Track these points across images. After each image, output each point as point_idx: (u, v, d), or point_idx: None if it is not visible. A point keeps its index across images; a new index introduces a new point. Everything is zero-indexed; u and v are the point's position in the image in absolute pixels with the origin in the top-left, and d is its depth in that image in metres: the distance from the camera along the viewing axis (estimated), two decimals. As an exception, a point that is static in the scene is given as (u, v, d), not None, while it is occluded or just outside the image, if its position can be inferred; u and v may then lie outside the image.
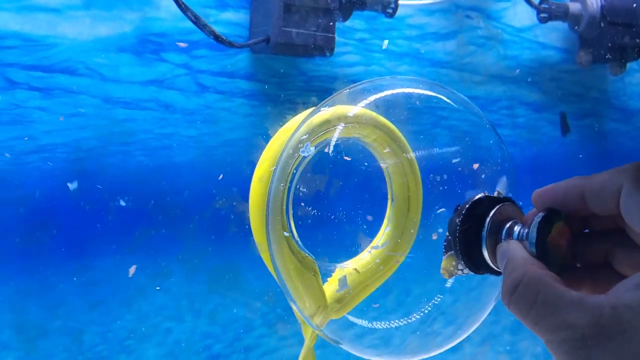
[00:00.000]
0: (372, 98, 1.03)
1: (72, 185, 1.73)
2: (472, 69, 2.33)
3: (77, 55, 1.74)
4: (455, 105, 1.10)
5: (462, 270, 0.74)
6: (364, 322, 1.12)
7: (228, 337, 2.11)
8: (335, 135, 1.01)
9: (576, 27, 2.50)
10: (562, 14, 2.51)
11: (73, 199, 1.76)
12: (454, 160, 1.01)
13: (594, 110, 2.78)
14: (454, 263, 0.76)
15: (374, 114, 1.05)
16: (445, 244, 0.77)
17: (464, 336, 1.11)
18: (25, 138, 1.72)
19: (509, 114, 2.43)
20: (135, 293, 1.87)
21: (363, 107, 1.04)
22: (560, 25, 2.54)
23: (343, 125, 1.03)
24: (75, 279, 1.77)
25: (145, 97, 1.86)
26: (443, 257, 0.79)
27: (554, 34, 2.60)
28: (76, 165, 1.78)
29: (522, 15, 2.46)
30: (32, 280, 1.75)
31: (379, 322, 1.09)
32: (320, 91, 2.13)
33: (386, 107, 1.05)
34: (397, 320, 1.09)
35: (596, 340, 0.41)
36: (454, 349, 2.27)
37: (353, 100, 1.04)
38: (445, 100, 1.11)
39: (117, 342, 1.84)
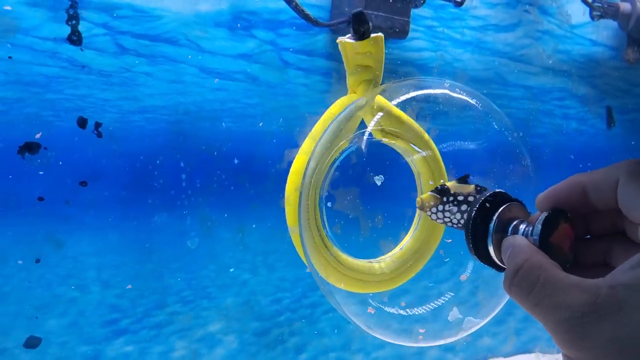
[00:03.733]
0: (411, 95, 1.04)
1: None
2: (527, 61, 2.43)
3: (179, 27, 1.89)
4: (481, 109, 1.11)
5: (435, 213, 0.77)
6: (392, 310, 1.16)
7: (296, 294, 2.25)
8: (371, 125, 1.02)
9: (625, 26, 2.59)
10: (613, 13, 2.60)
11: (171, 157, 1.92)
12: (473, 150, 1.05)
13: (639, 106, 2.87)
14: (432, 203, 0.79)
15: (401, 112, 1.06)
16: (439, 188, 0.80)
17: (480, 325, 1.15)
18: (131, 100, 1.88)
19: (559, 105, 2.53)
20: (219, 246, 2.02)
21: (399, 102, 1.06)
22: (610, 23, 2.63)
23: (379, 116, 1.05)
24: (168, 229, 1.93)
25: (235, 69, 2.01)
26: (428, 192, 0.82)
27: (605, 32, 2.69)
28: (174, 127, 1.94)
29: (576, 13, 2.56)
30: (131, 226, 1.90)
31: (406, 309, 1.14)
32: (391, 72, 2.25)
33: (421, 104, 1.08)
34: (419, 308, 1.14)
35: (594, 317, 0.41)
36: (499, 322, 2.38)
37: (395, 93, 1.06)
38: (475, 106, 1.12)
39: (200, 289, 1.99)
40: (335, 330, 2.22)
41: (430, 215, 0.73)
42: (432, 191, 0.75)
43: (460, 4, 2.17)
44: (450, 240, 1.10)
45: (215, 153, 1.94)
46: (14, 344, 1.71)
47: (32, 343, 1.73)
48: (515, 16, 2.40)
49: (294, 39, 2.09)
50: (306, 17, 1.87)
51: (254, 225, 2.05)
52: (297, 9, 1.85)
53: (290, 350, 2.06)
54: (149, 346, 1.90)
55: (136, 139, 1.85)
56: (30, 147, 1.74)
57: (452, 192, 0.74)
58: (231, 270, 2.04)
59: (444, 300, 1.02)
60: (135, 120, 1.86)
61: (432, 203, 0.75)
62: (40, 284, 1.75)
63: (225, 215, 2.02)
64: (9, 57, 1.70)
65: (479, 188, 0.66)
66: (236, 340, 1.98)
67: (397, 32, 2.01)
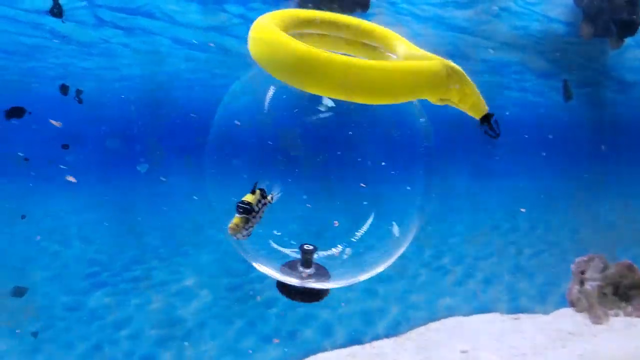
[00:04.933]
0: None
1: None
2: (487, 36, 2.57)
3: (155, 1, 2.03)
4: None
5: (246, 235, 0.97)
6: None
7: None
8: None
9: (580, 2, 2.73)
10: (569, -10, 2.74)
11: (146, 123, 2.05)
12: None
13: (595, 80, 3.02)
14: (242, 225, 0.98)
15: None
16: (242, 209, 0.97)
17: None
18: (110, 69, 2.01)
19: (517, 79, 2.67)
20: (194, 208, 2.15)
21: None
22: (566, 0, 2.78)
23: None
24: (145, 189, 2.06)
25: (207, 41, 2.14)
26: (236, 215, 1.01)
27: (560, 8, 2.83)
28: (149, 95, 2.07)
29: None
30: (108, 187, 2.03)
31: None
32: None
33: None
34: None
35: None
36: (459, 283, 2.52)
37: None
38: None
39: (176, 246, 2.13)
40: (304, 287, 2.37)
41: (243, 237, 0.94)
42: (238, 213, 0.95)
43: (420, -19, 2.30)
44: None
45: (190, 117, 2.07)
46: (1, 293, 1.85)
47: (18, 292, 1.86)
48: (474, -7, 2.53)
49: (264, 11, 2.21)
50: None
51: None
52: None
53: (260, 305, 2.20)
54: (127, 298, 2.04)
55: (115, 105, 1.98)
56: (16, 112, 1.86)
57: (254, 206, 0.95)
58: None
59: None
60: (114, 89, 1.99)
61: (242, 225, 0.95)
62: (25, 239, 1.88)
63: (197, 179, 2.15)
64: (-6, 28, 1.82)
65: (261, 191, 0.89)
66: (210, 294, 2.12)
67: (357, 4, 2.14)
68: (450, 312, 2.69)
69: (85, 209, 1.93)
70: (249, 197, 1.09)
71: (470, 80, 1.40)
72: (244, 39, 2.22)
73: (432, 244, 2.62)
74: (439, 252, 2.66)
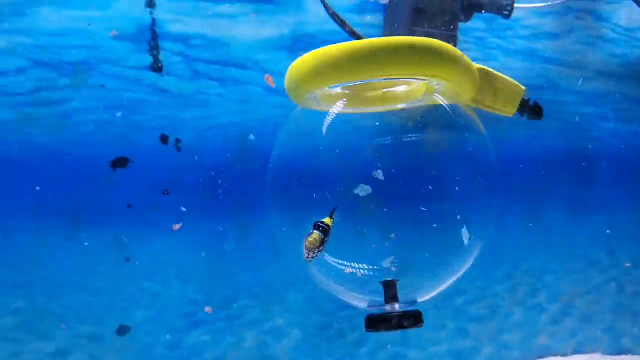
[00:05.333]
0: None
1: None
2: (581, 66, 2.48)
3: (246, 52, 2.11)
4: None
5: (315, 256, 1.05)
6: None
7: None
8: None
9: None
10: (671, 14, 2.58)
11: (238, 169, 2.14)
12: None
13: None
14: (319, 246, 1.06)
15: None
16: (321, 227, 1.09)
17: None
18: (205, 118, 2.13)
19: (615, 109, 2.55)
20: (283, 248, 2.21)
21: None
22: (669, 26, 2.62)
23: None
24: (236, 232, 2.15)
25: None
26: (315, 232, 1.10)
27: (661, 35, 2.68)
28: (243, 141, 2.16)
29: (631, 17, 2.57)
30: (206, 229, 2.14)
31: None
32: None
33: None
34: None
35: None
36: (554, 322, 2.44)
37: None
38: None
39: (267, 285, 2.20)
40: (394, 326, 2.37)
41: (313, 258, 1.07)
42: (318, 231, 1.06)
43: (509, 15, 2.26)
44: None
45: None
46: (108, 332, 1.99)
47: (123, 331, 2.00)
48: (567, 24, 2.46)
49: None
50: (356, 36, 2.04)
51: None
52: (348, 30, 2.03)
53: (350, 344, 2.22)
54: (222, 337, 2.13)
55: (211, 152, 2.08)
56: (120, 162, 2.01)
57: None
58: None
59: None
60: (209, 136, 2.09)
61: (318, 243, 1.07)
62: (129, 280, 2.02)
63: (290, 219, 2.21)
64: (102, 85, 1.98)
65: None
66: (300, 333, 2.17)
67: (447, 41, 2.13)
68: (547, 352, 2.59)
69: (183, 251, 2.05)
70: (327, 220, 1.19)
71: (499, 74, 1.49)
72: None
73: (526, 281, 2.55)
74: (534, 290, 2.57)
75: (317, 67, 1.27)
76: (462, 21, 2.22)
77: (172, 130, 2.00)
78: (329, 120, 1.29)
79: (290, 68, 1.29)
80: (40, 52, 1.88)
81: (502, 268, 2.29)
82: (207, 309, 1.92)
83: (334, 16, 2.02)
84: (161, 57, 2.03)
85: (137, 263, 1.98)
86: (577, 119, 2.53)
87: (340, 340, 2.26)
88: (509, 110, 1.62)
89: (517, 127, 2.50)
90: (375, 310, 1.34)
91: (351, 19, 2.15)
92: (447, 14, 2.11)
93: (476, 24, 2.37)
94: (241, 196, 2.11)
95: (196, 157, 2.07)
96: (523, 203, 2.38)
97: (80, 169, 1.87)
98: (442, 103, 1.38)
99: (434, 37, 2.11)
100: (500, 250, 2.40)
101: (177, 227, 1.91)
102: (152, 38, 2.00)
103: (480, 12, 2.23)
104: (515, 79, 2.41)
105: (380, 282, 1.38)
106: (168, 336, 2.07)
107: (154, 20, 1.99)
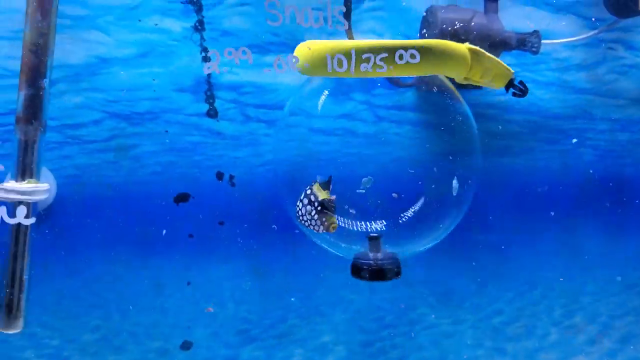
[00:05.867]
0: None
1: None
2: (614, 95, 2.56)
3: (290, 96, 2.36)
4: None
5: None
6: None
7: (396, 311, 2.60)
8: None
9: None
10: None
11: (286, 201, 2.38)
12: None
13: None
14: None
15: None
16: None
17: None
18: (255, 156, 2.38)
19: (649, 134, 2.61)
20: (325, 272, 2.43)
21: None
22: None
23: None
24: (286, 257, 2.38)
25: (336, 127, 2.41)
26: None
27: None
28: (288, 176, 2.39)
29: (665, 44, 2.63)
30: (257, 255, 2.38)
31: None
32: (476, 115, 2.54)
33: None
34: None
35: None
36: (593, 342, 2.52)
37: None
38: None
39: (314, 306, 2.42)
40: (434, 345, 2.53)
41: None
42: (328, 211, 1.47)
43: (537, 52, 2.39)
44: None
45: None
46: (173, 346, 2.27)
47: (186, 346, 2.27)
48: (598, 54, 2.56)
49: (385, 97, 2.45)
50: (395, 81, 2.23)
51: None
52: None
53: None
54: (273, 352, 2.37)
55: (261, 186, 2.32)
56: (182, 197, 2.29)
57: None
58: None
59: None
60: (260, 171, 2.34)
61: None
62: (190, 302, 2.29)
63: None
64: (166, 131, 2.27)
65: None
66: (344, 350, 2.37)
67: (472, 85, 2.29)
68: (586, 373, 2.66)
69: (237, 275, 2.28)
70: (325, 194, 1.51)
71: (489, 55, 1.72)
72: (369, 122, 2.49)
73: (561, 302, 2.63)
74: (570, 311, 2.64)
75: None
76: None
77: (226, 167, 2.26)
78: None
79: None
80: (113, 105, 2.19)
81: (538, 289, 2.41)
82: (208, 309, 2.17)
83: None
84: (216, 104, 2.30)
85: (197, 286, 2.25)
86: (611, 145, 2.62)
87: (382, 356, 2.44)
88: (496, 85, 1.85)
89: (550, 155, 2.62)
90: (360, 261, 1.72)
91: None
92: (474, 56, 2.25)
93: (507, 59, 2.51)
94: (290, 225, 2.34)
95: (247, 191, 2.31)
96: (558, 226, 2.50)
97: (149, 204, 2.15)
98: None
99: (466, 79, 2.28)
100: (536, 272, 2.52)
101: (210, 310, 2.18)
102: (208, 88, 2.28)
103: (509, 50, 2.38)
104: (548, 109, 2.55)
105: (366, 236, 1.74)
106: (225, 351, 2.32)
107: (209, 73, 2.27)
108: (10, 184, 1.85)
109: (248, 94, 2.26)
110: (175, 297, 2.27)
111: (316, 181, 1.62)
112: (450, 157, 1.77)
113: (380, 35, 2.34)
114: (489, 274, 2.55)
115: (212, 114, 2.27)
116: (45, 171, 1.96)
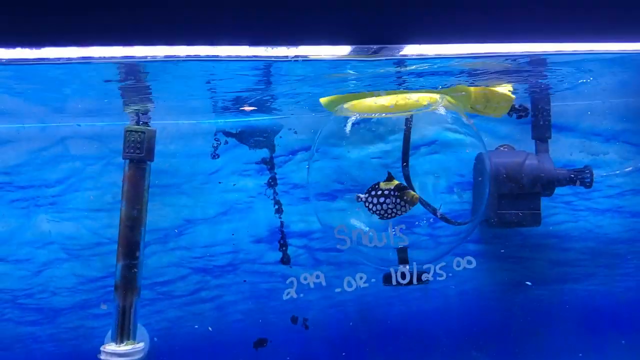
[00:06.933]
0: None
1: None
2: (670, 216, 2.61)
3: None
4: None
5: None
6: None
7: None
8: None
9: None
10: None
11: (358, 338, 2.50)
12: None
13: None
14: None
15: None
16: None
17: None
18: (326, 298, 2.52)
19: None
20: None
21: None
22: None
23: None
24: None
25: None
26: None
27: None
28: (361, 313, 2.53)
29: None
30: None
31: None
32: (535, 246, 2.63)
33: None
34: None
35: None
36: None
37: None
38: None
39: None
40: None
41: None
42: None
43: (589, 185, 2.48)
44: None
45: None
46: None
47: None
48: (650, 178, 2.65)
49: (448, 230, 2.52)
50: (447, 221, 2.35)
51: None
52: (440, 216, 2.35)
53: None
54: None
55: (333, 327, 2.45)
56: (261, 342, 2.44)
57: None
58: None
59: None
60: (331, 312, 2.48)
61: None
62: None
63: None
64: (244, 281, 2.45)
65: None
66: None
67: (529, 223, 2.40)
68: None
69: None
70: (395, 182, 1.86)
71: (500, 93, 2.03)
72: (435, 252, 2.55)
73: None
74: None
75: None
76: (546, 196, 2.47)
77: (300, 311, 2.41)
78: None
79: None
80: (197, 261, 2.41)
81: None
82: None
83: (426, 206, 2.37)
84: (289, 251, 2.48)
85: None
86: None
87: None
88: (499, 114, 2.12)
89: (613, 279, 2.66)
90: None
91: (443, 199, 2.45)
92: (529, 196, 2.39)
93: (562, 190, 2.62)
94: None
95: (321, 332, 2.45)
96: (625, 349, 2.52)
97: (231, 349, 2.31)
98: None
99: (518, 216, 2.40)
100: None
101: None
102: (281, 237, 2.47)
103: (562, 186, 2.48)
104: (605, 235, 2.61)
105: (395, 248, 1.96)
106: None
107: (282, 222, 2.47)
108: (111, 347, 2.04)
109: (317, 240, 2.43)
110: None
111: (378, 182, 1.89)
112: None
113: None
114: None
115: (285, 261, 2.45)
116: (139, 328, 2.15)
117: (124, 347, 2.01)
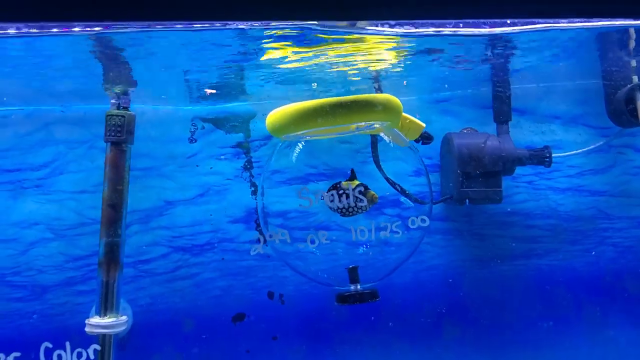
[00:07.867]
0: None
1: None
2: (629, 194, 2.74)
3: (330, 216, 2.64)
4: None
5: None
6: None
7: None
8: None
9: None
10: None
11: (333, 314, 2.62)
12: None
13: None
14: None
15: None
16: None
17: None
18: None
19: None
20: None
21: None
22: None
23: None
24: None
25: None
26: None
27: None
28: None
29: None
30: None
31: None
32: (499, 223, 2.76)
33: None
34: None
35: None
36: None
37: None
38: None
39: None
40: None
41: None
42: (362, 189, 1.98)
43: (549, 165, 2.62)
44: None
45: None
46: None
47: None
48: (609, 159, 2.78)
49: (415, 210, 2.65)
50: (415, 200, 2.47)
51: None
52: (410, 198, 2.48)
53: None
54: None
55: (308, 301, 2.57)
56: (240, 316, 2.56)
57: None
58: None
59: None
60: (307, 288, 2.60)
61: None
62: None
63: None
64: (222, 259, 2.57)
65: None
66: None
67: (491, 200, 2.53)
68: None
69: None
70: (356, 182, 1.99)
71: (413, 118, 2.25)
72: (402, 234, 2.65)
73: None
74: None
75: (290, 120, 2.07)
76: (507, 175, 2.60)
77: (276, 287, 2.53)
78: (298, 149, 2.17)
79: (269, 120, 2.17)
80: (177, 240, 2.52)
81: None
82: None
83: (394, 185, 2.49)
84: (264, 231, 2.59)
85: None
86: (630, 241, 2.79)
87: None
88: (410, 138, 2.32)
89: (573, 254, 2.80)
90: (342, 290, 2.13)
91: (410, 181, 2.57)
92: (491, 174, 2.52)
93: (524, 170, 2.75)
94: (341, 334, 2.57)
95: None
96: (587, 321, 2.64)
97: (210, 324, 2.42)
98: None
99: (481, 194, 2.53)
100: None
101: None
102: (256, 220, 2.59)
103: (523, 165, 2.62)
104: (566, 212, 2.75)
105: (345, 268, 2.17)
106: None
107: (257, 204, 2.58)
108: (95, 320, 2.15)
109: (293, 219, 2.54)
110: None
111: (339, 181, 2.08)
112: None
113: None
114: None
115: (262, 241, 2.56)
116: (123, 303, 2.27)
117: (107, 319, 2.12)
